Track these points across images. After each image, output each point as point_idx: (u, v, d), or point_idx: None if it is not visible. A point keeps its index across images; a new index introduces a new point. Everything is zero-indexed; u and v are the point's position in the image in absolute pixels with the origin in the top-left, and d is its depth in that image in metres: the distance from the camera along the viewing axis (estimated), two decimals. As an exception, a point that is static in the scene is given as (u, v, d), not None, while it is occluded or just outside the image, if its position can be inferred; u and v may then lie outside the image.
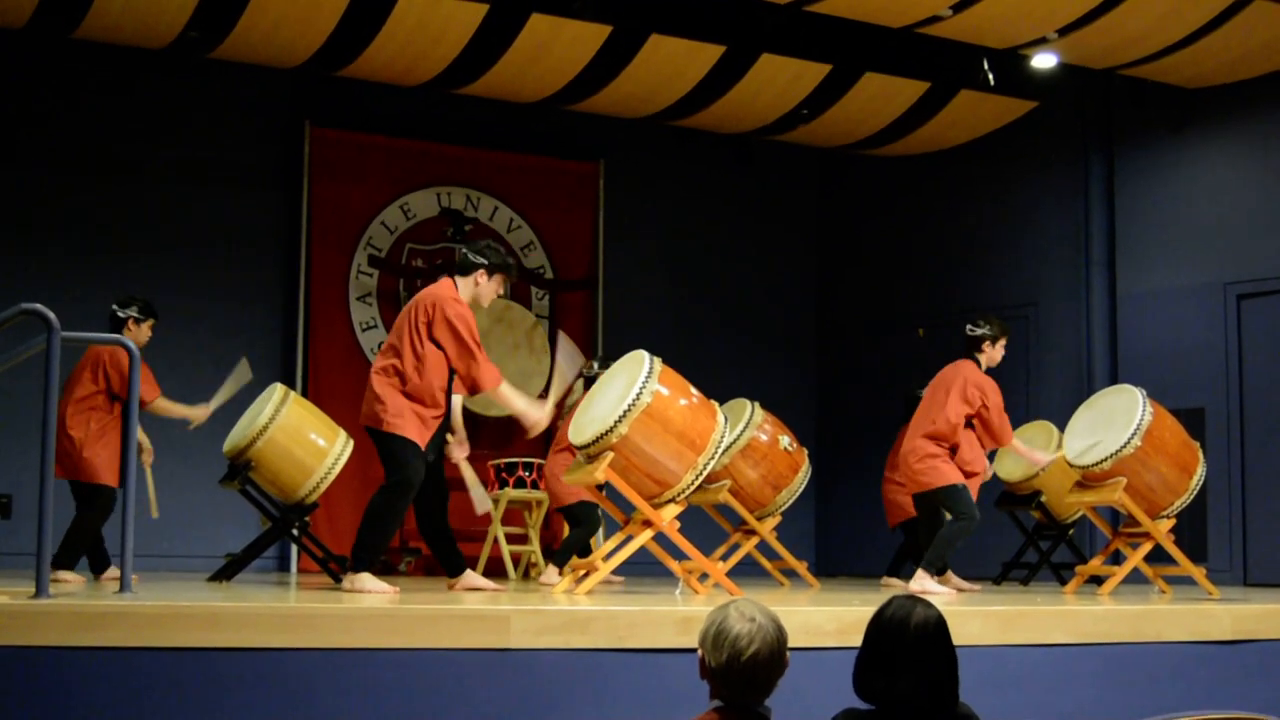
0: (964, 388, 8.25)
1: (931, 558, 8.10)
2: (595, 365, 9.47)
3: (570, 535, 9.21)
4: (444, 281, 6.92)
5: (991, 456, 8.66)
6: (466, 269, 6.89)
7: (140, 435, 8.10)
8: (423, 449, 6.70)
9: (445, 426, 6.93)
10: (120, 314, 8.09)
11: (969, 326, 8.53)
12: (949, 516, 8.27)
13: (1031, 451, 9.15)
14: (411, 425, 6.66)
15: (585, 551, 9.00)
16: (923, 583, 7.91)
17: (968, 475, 8.22)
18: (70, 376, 7.92)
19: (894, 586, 9.27)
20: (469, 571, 7.05)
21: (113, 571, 7.94)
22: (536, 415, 6.99)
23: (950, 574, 9.01)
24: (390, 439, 6.67)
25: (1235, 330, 10.75)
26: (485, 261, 6.88)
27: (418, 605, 5.17)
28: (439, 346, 6.70)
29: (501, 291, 7.03)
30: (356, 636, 4.74)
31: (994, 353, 8.49)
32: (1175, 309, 11.09)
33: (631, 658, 5.07)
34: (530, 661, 4.92)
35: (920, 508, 8.67)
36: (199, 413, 8.36)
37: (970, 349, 8.48)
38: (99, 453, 7.86)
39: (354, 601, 5.49)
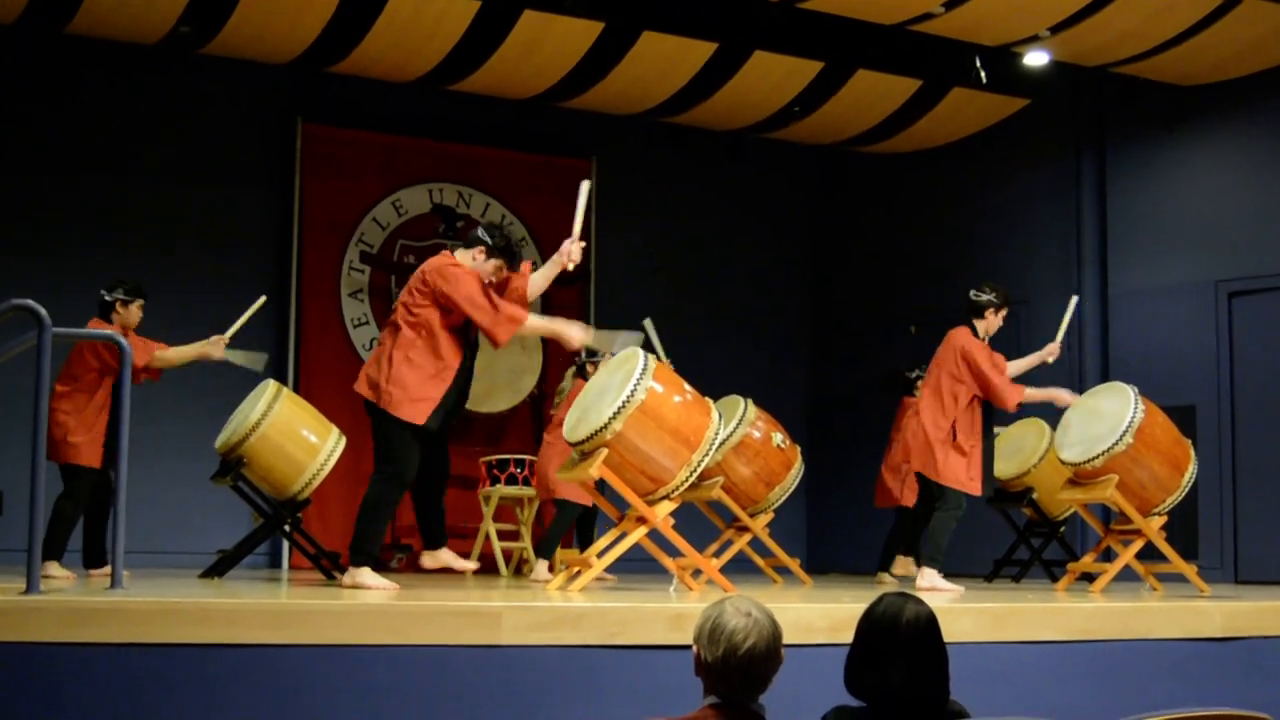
0: (955, 363, 8.08)
1: (931, 551, 8.03)
2: (584, 351, 9.46)
3: (550, 527, 9.24)
4: (444, 254, 6.88)
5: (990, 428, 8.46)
6: (471, 242, 6.88)
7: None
8: (421, 426, 6.60)
9: (453, 395, 6.74)
10: (107, 297, 8.07)
11: (972, 291, 8.32)
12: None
13: (1052, 393, 8.48)
14: (408, 404, 6.57)
15: (587, 540, 8.97)
16: (931, 580, 7.85)
17: (963, 453, 8.08)
18: (69, 355, 7.91)
19: (888, 583, 9.26)
20: (445, 550, 7.00)
21: (105, 569, 7.91)
22: (571, 331, 6.97)
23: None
24: (387, 420, 6.59)
25: (1227, 328, 10.76)
26: (488, 241, 6.85)
27: (409, 601, 5.16)
28: (447, 311, 6.63)
29: (495, 279, 6.99)
30: (348, 633, 4.73)
31: (994, 320, 8.29)
32: (1167, 307, 11.10)
33: (623, 654, 5.06)
34: (522, 658, 4.91)
35: (923, 490, 8.49)
36: (214, 349, 8.24)
37: (970, 314, 8.28)
38: (83, 435, 7.81)
39: (346, 598, 5.48)
